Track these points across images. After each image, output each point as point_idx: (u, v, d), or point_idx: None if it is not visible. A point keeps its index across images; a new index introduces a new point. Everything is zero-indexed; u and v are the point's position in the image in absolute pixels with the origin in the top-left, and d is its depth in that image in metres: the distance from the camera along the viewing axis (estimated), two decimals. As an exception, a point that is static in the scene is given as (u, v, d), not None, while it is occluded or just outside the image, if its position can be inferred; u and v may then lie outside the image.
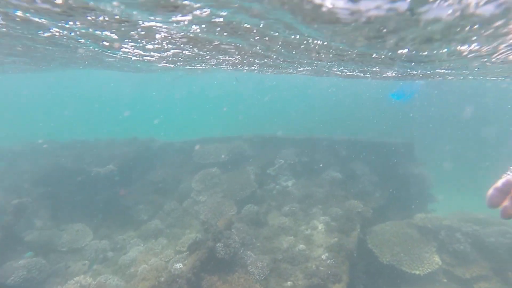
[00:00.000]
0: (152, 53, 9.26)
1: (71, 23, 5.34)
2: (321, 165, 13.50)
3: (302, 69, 11.68)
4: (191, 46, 7.62)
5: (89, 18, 4.88)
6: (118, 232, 10.80)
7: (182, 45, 7.52)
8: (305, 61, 9.20)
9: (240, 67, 12.28)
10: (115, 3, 3.98)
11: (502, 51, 5.89)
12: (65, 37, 6.96)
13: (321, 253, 8.82)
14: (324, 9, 3.44)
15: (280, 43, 6.35)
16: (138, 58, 10.50)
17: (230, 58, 9.76)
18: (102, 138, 14.50)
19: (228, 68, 12.68)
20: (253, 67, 12.01)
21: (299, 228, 10.29)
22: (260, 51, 7.59)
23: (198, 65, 12.32)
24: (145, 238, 10.68)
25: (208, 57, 9.67)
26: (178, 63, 11.64)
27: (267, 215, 11.46)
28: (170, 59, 10.37)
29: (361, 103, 35.00)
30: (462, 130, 23.61)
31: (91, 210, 11.07)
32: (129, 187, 12.38)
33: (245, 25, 4.91)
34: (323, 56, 7.67)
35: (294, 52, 7.52)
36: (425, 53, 6.23)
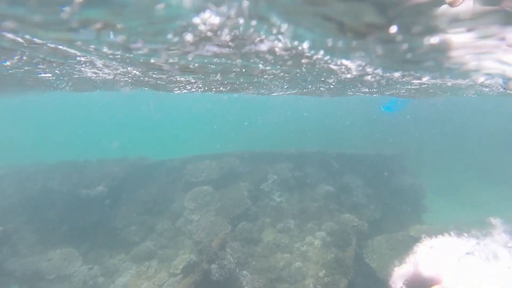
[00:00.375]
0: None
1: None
2: (311, 181, 13.47)
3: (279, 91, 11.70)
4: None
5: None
6: (108, 256, 10.44)
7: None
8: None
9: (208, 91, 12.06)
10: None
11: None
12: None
13: (318, 270, 8.66)
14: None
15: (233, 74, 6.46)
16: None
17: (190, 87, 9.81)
18: (91, 158, 14.20)
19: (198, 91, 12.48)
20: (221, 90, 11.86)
21: (295, 245, 10.13)
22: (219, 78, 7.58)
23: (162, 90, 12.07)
24: (137, 261, 10.33)
25: (171, 85, 9.56)
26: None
27: (262, 232, 11.27)
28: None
29: (353, 115, 35.48)
30: (450, 141, 24.12)
31: (80, 233, 10.70)
32: (120, 208, 12.07)
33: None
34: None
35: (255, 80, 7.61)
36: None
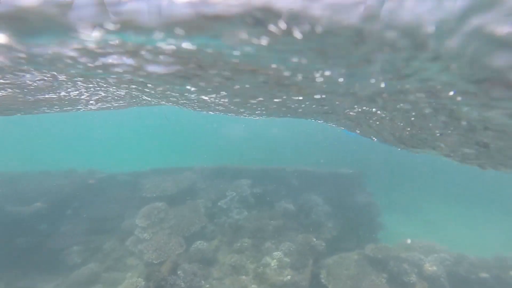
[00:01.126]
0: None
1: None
2: (270, 198, 13.32)
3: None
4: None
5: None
6: (43, 282, 9.32)
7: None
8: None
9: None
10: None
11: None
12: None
13: (273, 293, 8.36)
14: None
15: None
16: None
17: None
18: (32, 170, 12.90)
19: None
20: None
21: (251, 266, 9.77)
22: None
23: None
24: (76, 286, 9.33)
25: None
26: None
27: (218, 252, 10.79)
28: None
29: (317, 135, 36.45)
30: (403, 161, 25.54)
31: (9, 258, 9.48)
32: (61, 227, 10.96)
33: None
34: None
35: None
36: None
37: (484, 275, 9.59)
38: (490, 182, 25.03)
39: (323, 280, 9.33)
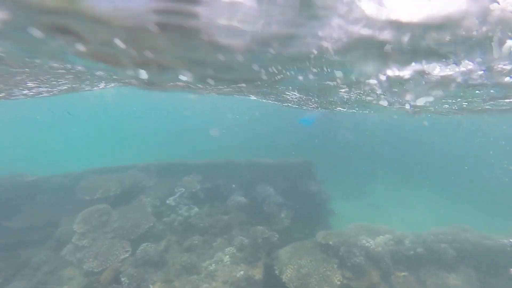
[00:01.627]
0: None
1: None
2: (222, 192, 13.02)
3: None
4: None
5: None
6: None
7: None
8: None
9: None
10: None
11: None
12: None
13: (226, 290, 8.13)
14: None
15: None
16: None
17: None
18: None
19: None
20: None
21: (203, 264, 9.42)
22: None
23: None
24: (1, 307, 8.18)
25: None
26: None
27: (167, 253, 10.24)
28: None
29: (266, 125, 36.64)
30: (353, 150, 26.84)
31: None
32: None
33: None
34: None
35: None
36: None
37: (420, 249, 10.34)
38: (425, 166, 27.42)
39: (277, 272, 9.31)
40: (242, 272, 8.51)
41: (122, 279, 7.85)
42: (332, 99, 9.18)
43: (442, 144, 36.21)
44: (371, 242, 10.28)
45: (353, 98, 8.23)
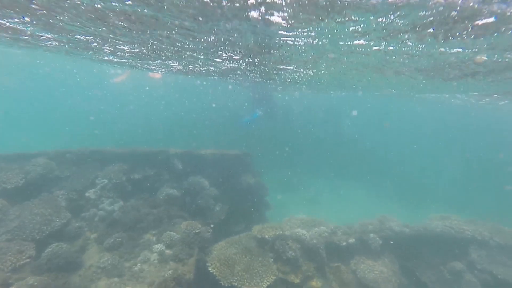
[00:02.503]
0: None
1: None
2: (152, 184, 11.87)
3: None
4: None
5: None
6: None
7: None
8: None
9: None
10: None
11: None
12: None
13: (152, 293, 7.21)
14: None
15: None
16: None
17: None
18: None
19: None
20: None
21: (126, 264, 8.31)
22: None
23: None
24: None
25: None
26: None
27: (84, 253, 8.84)
28: None
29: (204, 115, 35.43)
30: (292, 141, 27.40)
31: None
32: None
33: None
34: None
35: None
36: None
37: (351, 240, 10.68)
38: (361, 161, 29.30)
39: (210, 269, 8.66)
40: (171, 272, 7.65)
41: (18, 290, 6.39)
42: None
43: (372, 137, 39.34)
44: (306, 235, 10.26)
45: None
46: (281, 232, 10.41)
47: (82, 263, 8.40)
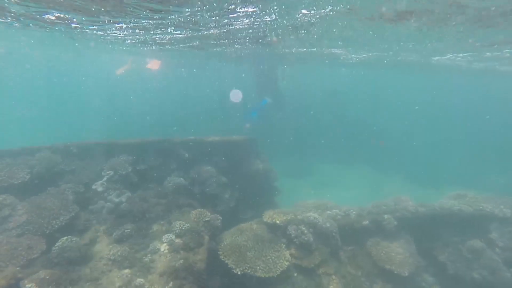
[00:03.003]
0: None
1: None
2: (158, 174, 11.67)
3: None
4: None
5: None
6: None
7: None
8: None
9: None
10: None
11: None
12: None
13: (164, 283, 7.06)
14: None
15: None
16: None
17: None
18: None
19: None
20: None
21: (137, 256, 8.17)
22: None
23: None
24: None
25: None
26: None
27: (94, 246, 8.75)
28: None
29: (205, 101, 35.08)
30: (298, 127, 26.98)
31: None
32: None
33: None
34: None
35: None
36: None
37: (365, 222, 10.39)
38: (369, 146, 28.72)
39: (221, 257, 8.50)
40: (182, 261, 7.50)
41: (28, 285, 6.28)
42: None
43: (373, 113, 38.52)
44: (319, 219, 9.99)
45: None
46: (293, 216, 10.17)
47: (92, 255, 8.29)
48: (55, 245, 8.08)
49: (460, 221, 10.90)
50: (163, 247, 8.29)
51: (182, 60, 26.77)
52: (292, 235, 9.49)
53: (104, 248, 8.53)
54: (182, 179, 11.46)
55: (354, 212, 10.83)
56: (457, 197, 11.96)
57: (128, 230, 8.93)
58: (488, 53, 16.85)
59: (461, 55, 18.03)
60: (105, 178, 10.66)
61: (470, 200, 11.69)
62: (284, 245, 9.27)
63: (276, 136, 22.86)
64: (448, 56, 18.84)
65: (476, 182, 19.41)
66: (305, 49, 17.46)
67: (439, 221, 10.87)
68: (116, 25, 11.60)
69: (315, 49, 17.47)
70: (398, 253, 9.94)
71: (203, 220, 9.10)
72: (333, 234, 9.80)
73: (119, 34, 13.79)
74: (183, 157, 12.37)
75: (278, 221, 10.00)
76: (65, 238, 8.37)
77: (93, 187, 10.54)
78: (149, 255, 8.08)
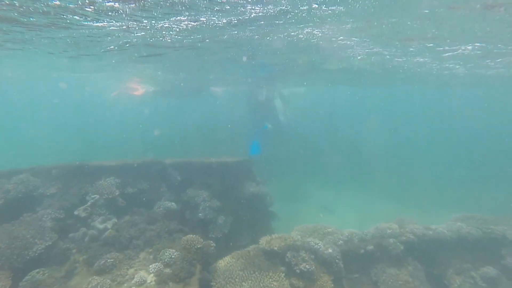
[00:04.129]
0: None
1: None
2: (148, 198, 10.90)
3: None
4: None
5: None
6: None
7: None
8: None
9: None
10: None
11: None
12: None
13: (149, 321, 6.16)
14: None
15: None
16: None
17: None
18: None
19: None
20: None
21: (119, 289, 7.25)
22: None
23: None
24: None
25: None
26: None
27: (70, 280, 7.80)
28: None
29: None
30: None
31: None
32: None
33: None
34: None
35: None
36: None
37: (370, 247, 9.67)
38: (360, 170, 28.32)
39: (215, 288, 7.62)
40: (170, 295, 6.63)
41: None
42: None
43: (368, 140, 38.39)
44: (319, 244, 9.25)
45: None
46: (292, 242, 9.39)
47: (69, 290, 7.35)
48: (23, 280, 7.15)
49: (469, 245, 10.24)
50: (150, 278, 7.40)
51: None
52: (292, 263, 8.68)
53: (83, 281, 7.59)
54: (173, 203, 10.68)
55: (356, 237, 10.10)
56: (464, 219, 11.35)
57: (112, 260, 8.03)
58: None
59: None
60: (89, 203, 9.83)
61: (478, 222, 11.10)
62: (284, 274, 8.42)
63: (271, 158, 22.29)
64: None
65: (471, 204, 18.95)
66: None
67: (447, 245, 10.19)
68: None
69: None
70: (407, 282, 9.15)
71: (195, 247, 8.27)
72: (336, 260, 9.02)
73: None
74: (175, 180, 11.65)
75: (276, 248, 9.19)
76: (36, 271, 7.46)
77: (75, 212, 9.68)
78: (134, 287, 7.17)
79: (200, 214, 11.05)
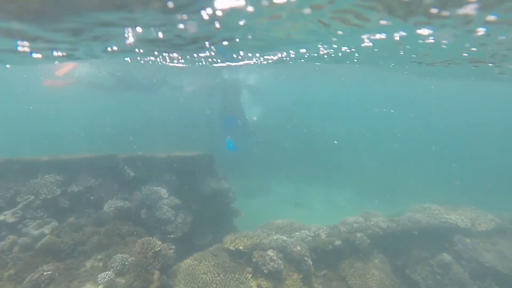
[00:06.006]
0: None
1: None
2: (96, 197, 9.66)
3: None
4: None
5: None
6: None
7: None
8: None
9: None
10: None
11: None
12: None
13: None
14: None
15: None
16: None
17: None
18: None
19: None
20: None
21: (60, 306, 6.13)
22: None
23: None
24: None
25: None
26: None
27: (-3, 297, 6.46)
28: None
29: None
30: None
31: None
32: None
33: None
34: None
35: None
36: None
37: (338, 242, 9.46)
38: (327, 158, 28.66)
39: (176, 295, 6.82)
40: (123, 309, 5.69)
41: None
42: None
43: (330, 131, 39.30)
44: (287, 242, 8.82)
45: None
46: (258, 240, 8.87)
47: (-7, 311, 6.06)
48: None
49: (428, 235, 10.55)
50: (99, 290, 6.37)
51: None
52: (259, 263, 8.13)
53: (13, 299, 6.33)
54: (126, 202, 9.56)
55: (324, 232, 9.87)
56: (422, 209, 11.72)
57: (49, 272, 6.80)
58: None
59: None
60: (20, 205, 8.35)
61: (434, 212, 11.51)
62: (250, 275, 7.86)
63: (232, 153, 21.52)
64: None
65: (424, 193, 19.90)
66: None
67: (409, 236, 10.39)
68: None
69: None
70: (374, 275, 9.10)
71: (152, 251, 7.35)
72: (305, 258, 8.65)
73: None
74: (129, 177, 10.47)
75: (241, 247, 8.61)
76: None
77: (0, 218, 8.16)
78: (78, 303, 6.11)
79: (157, 213, 10.04)
